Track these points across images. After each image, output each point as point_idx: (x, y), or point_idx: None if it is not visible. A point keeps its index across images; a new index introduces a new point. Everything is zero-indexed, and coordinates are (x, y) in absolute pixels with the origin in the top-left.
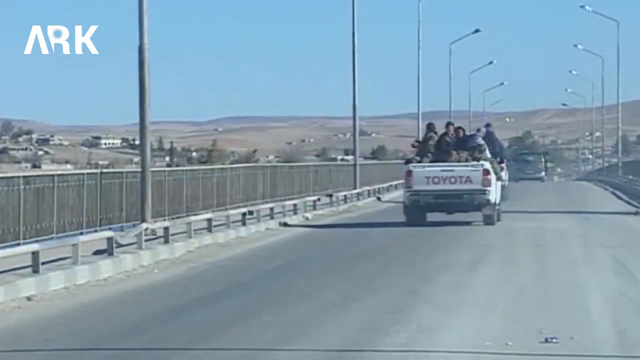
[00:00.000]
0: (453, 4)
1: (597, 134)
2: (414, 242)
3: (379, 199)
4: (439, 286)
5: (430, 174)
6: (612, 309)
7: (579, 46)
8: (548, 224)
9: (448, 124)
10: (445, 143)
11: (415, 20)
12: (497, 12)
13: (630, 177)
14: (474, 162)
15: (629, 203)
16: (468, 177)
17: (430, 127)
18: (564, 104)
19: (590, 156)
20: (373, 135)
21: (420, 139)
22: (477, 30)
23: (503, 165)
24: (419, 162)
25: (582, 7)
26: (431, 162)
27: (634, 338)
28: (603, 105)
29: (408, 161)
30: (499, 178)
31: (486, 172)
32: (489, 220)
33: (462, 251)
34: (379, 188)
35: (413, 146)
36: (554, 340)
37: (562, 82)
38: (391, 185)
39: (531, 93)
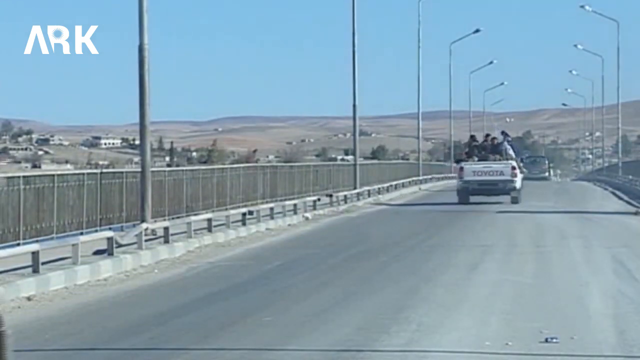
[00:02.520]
0: (453, 4)
1: (597, 134)
2: (413, 242)
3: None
4: (439, 286)
5: (475, 169)
6: (612, 309)
7: (579, 46)
8: (548, 223)
9: (487, 135)
10: (484, 148)
11: (415, 20)
12: (497, 12)
13: (630, 177)
14: (505, 161)
15: (629, 203)
16: (501, 171)
17: (473, 138)
18: (564, 104)
19: (590, 156)
20: (373, 135)
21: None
22: (477, 30)
23: (521, 163)
24: (467, 161)
25: (582, 7)
26: (477, 161)
27: (634, 338)
28: (603, 105)
29: (458, 161)
30: (521, 172)
31: (513, 167)
32: (514, 200)
33: (462, 251)
34: (379, 188)
35: (465, 154)
36: (554, 340)
37: (562, 82)
38: (391, 186)
39: (531, 93)
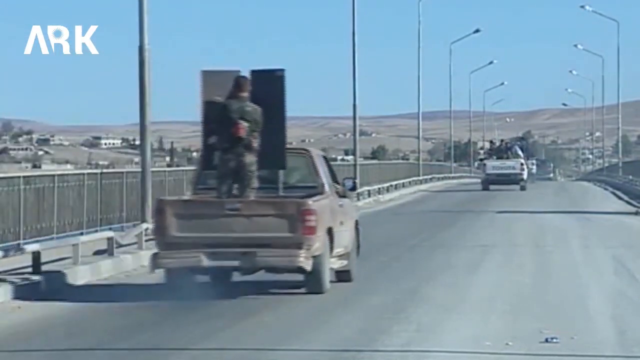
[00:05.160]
0: (453, 4)
1: (597, 134)
2: (414, 242)
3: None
4: (439, 286)
5: (495, 165)
6: (612, 309)
7: (579, 46)
8: (548, 223)
9: (502, 140)
10: (500, 149)
11: (415, 20)
12: (497, 12)
13: (630, 177)
14: (515, 159)
15: (629, 203)
16: (513, 166)
17: (492, 142)
18: (564, 104)
19: (590, 156)
20: (373, 135)
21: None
22: (477, 30)
23: (530, 161)
24: (488, 159)
25: (582, 7)
26: (496, 159)
27: (634, 338)
28: (603, 105)
29: (481, 160)
30: (528, 167)
31: (522, 164)
32: (523, 188)
33: (462, 251)
34: (379, 188)
35: (486, 153)
36: (554, 340)
37: (562, 82)
38: (391, 186)
39: (531, 93)
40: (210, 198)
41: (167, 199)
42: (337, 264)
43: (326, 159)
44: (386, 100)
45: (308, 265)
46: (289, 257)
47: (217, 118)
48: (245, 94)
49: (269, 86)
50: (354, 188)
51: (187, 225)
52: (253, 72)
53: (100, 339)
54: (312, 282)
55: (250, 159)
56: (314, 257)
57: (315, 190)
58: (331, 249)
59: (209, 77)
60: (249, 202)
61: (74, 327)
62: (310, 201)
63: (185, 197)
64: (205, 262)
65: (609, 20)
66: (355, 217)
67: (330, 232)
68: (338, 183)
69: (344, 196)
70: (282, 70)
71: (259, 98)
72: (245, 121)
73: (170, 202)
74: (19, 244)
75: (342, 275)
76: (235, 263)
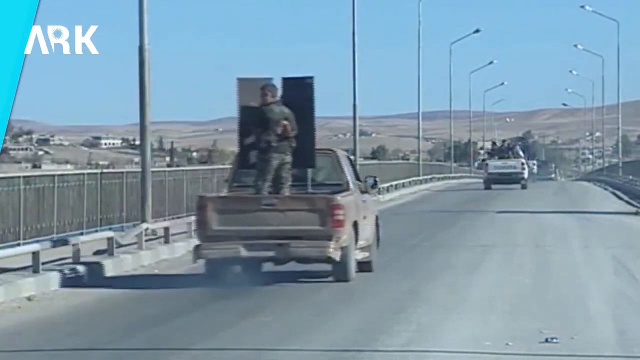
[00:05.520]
0: (453, 4)
1: (597, 134)
2: (414, 242)
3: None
4: (439, 286)
5: (496, 164)
6: (612, 309)
7: (579, 46)
8: (548, 223)
9: (503, 140)
10: (501, 150)
11: (415, 20)
12: (497, 12)
13: (630, 177)
14: (516, 159)
15: (629, 203)
16: (514, 166)
17: (494, 142)
18: (564, 104)
19: (590, 156)
20: (373, 135)
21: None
22: (477, 30)
23: (531, 162)
24: (490, 159)
25: (582, 7)
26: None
27: (634, 338)
28: (603, 105)
29: (484, 160)
30: (529, 167)
31: (522, 163)
32: (524, 187)
33: (462, 251)
34: (379, 188)
35: (488, 153)
36: (554, 340)
37: (562, 82)
38: (391, 186)
39: (531, 93)
40: (247, 194)
41: (208, 195)
42: (360, 255)
43: (350, 159)
44: (386, 100)
45: (337, 256)
46: (320, 248)
47: (260, 121)
48: (278, 99)
49: (299, 92)
50: (375, 185)
51: (226, 219)
52: (284, 79)
53: (101, 339)
54: (339, 272)
55: (290, 158)
56: (342, 248)
57: (341, 187)
58: (356, 240)
59: (244, 84)
60: (284, 197)
61: (75, 327)
62: (338, 197)
63: (225, 194)
64: (243, 252)
65: (609, 20)
66: (376, 212)
67: (355, 225)
68: (360, 180)
69: (365, 192)
70: (312, 77)
71: (290, 103)
72: (289, 122)
73: (211, 198)
74: (18, 244)
75: (364, 266)
76: (271, 254)
